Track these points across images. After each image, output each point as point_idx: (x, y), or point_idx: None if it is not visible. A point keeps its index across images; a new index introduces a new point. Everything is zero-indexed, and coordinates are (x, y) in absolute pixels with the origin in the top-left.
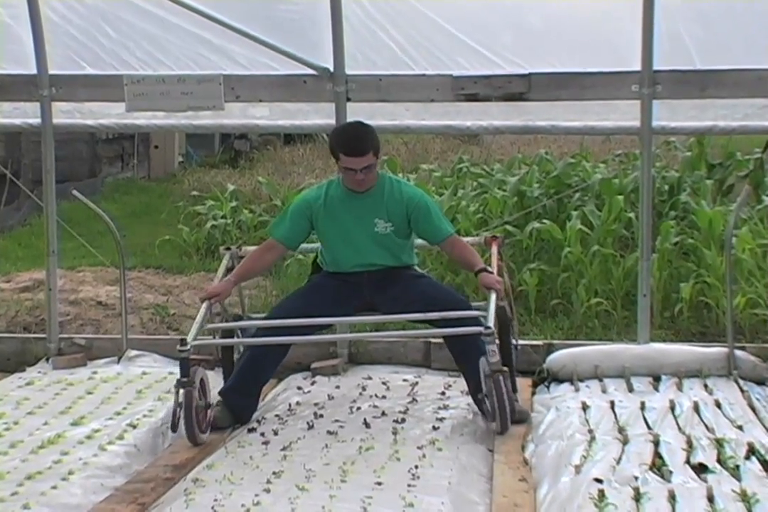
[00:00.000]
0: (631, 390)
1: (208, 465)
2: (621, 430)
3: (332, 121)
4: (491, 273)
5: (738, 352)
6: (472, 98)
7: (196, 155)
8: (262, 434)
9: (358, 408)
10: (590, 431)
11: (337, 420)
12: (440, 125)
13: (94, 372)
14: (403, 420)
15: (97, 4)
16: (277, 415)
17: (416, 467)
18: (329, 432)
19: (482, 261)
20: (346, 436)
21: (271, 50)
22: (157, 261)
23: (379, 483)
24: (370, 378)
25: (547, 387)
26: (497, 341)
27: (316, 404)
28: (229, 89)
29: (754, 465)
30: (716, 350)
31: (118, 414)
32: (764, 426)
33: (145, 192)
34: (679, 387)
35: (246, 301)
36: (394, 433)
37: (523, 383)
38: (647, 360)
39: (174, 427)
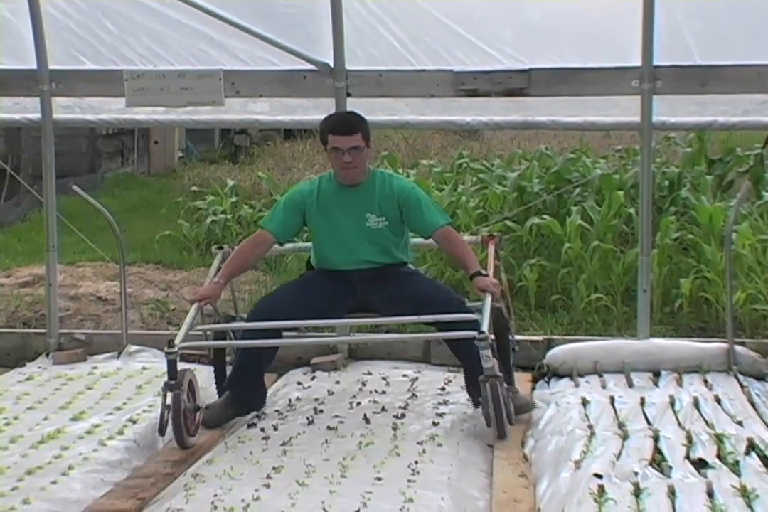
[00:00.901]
0: (630, 385)
1: (208, 461)
2: (621, 426)
3: None
4: (486, 275)
5: (738, 348)
6: (472, 93)
7: (196, 150)
8: (262, 429)
9: (358, 404)
10: (590, 426)
11: (336, 416)
12: (440, 120)
13: (94, 368)
14: (403, 415)
15: None
16: (276, 410)
17: (416, 462)
18: (329, 428)
19: (477, 263)
20: (346, 432)
21: (271, 45)
22: (157, 256)
23: (379, 479)
24: (370, 373)
25: (547, 382)
26: (494, 343)
27: (315, 399)
28: (229, 84)
29: (754, 460)
30: (716, 346)
31: (118, 409)
32: (764, 421)
33: (145, 187)
34: (679, 383)
35: (238, 301)
36: (394, 429)
37: (523, 378)
38: (647, 356)
39: (162, 430)
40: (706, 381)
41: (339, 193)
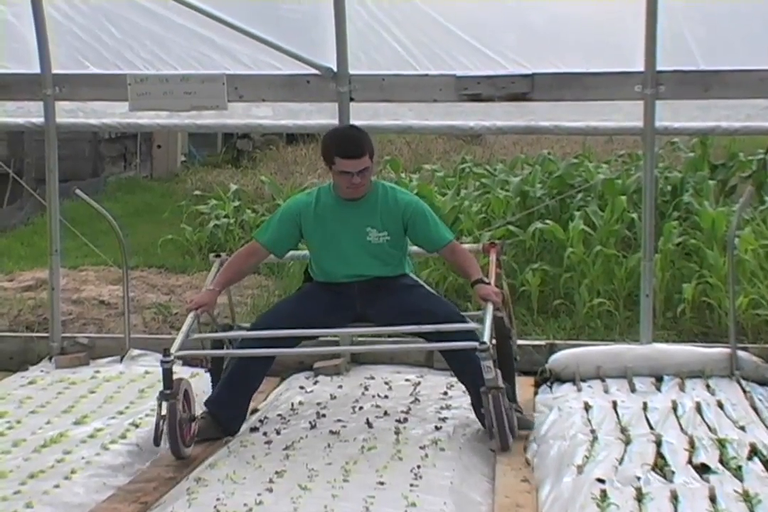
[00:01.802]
0: (633, 390)
1: (211, 465)
2: (623, 430)
3: (335, 121)
4: (488, 283)
5: (740, 353)
6: (475, 98)
7: (199, 155)
8: (265, 433)
9: (361, 408)
10: (592, 431)
11: (339, 420)
12: (443, 125)
13: (97, 372)
14: (406, 419)
15: (100, 3)
16: (279, 415)
17: (418, 467)
18: (332, 432)
19: (480, 271)
20: (349, 436)
21: (275, 50)
22: (160, 260)
23: (382, 483)
24: (372, 377)
25: (550, 387)
26: (496, 353)
27: (318, 403)
28: (232, 89)
29: (757, 465)
30: (718, 351)
31: (121, 413)
32: (767, 426)
33: (148, 191)
34: (682, 388)
35: (240, 305)
36: (397, 433)
37: (525, 383)
38: (649, 361)
39: (157, 441)
40: (708, 386)
41: (338, 207)
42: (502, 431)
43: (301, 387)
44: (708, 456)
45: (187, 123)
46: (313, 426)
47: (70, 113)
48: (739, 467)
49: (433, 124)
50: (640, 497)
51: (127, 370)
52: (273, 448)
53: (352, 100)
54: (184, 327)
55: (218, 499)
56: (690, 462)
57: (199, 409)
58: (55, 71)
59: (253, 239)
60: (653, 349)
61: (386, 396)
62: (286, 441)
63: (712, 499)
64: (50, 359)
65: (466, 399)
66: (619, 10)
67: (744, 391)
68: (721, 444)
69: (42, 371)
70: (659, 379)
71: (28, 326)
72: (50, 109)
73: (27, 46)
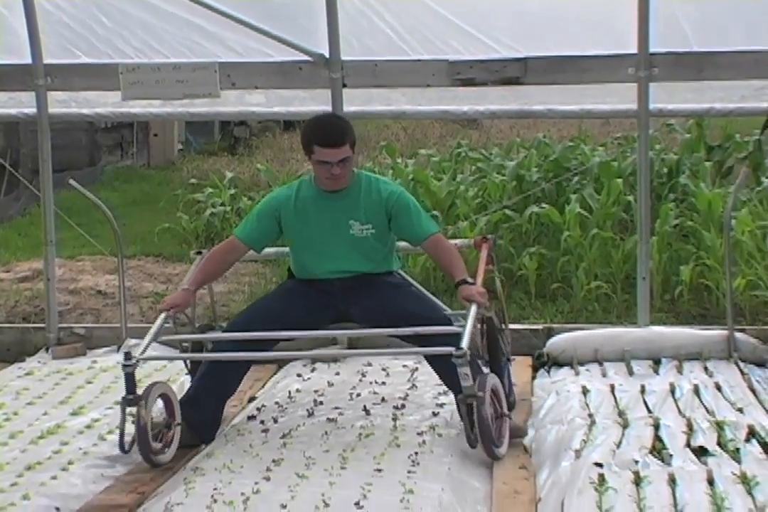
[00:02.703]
0: (631, 373)
1: (208, 454)
2: (621, 414)
3: (328, 108)
4: (473, 284)
5: (738, 335)
6: (469, 83)
7: (196, 142)
8: (262, 422)
9: (358, 395)
10: (590, 415)
11: (337, 407)
12: (437, 110)
13: (94, 362)
14: (403, 406)
15: None
16: (276, 403)
17: (416, 453)
18: (329, 420)
19: (464, 271)
20: (346, 423)
21: (267, 37)
22: (157, 249)
23: (379, 470)
24: (370, 364)
25: (548, 371)
26: (487, 354)
27: (316, 391)
28: (224, 76)
29: (755, 447)
30: (716, 332)
31: (118, 403)
32: (764, 408)
33: (145, 180)
34: (679, 370)
35: (238, 293)
36: (394, 419)
37: (523, 363)
38: (647, 344)
39: (122, 447)
40: (706, 369)
41: (319, 199)
42: (487, 440)
43: (299, 375)
44: (706, 438)
45: (180, 111)
46: (310, 414)
47: (63, 103)
48: (737, 449)
49: (427, 109)
50: (638, 481)
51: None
52: (270, 437)
53: (344, 86)
54: (153, 329)
55: (215, 488)
56: (688, 445)
57: None
58: (46, 61)
59: (233, 234)
60: (651, 332)
61: (383, 383)
62: (284, 429)
63: (710, 482)
64: (47, 350)
65: None
66: None
67: (742, 373)
68: (719, 426)
69: (39, 362)
70: (657, 362)
71: (25, 317)
72: (42, 99)
73: (18, 36)
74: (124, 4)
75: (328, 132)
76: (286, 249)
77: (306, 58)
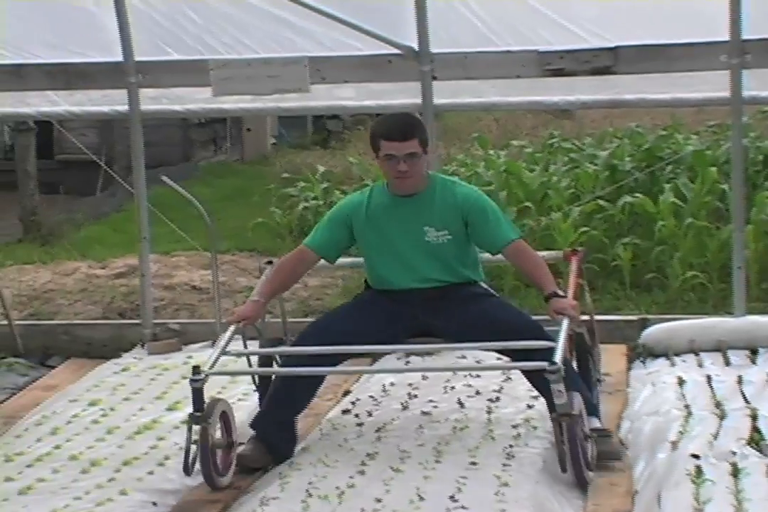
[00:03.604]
0: (727, 363)
1: (303, 448)
2: (718, 405)
3: (418, 101)
4: (564, 296)
5: None
6: (559, 73)
7: (289, 136)
8: (357, 415)
9: (452, 388)
10: (687, 406)
11: (431, 400)
12: (527, 101)
13: (189, 357)
14: (498, 399)
15: None
16: (371, 396)
17: (510, 446)
18: (423, 413)
19: (553, 282)
20: (441, 416)
21: (356, 31)
22: (251, 244)
23: (474, 463)
24: (464, 357)
25: (643, 362)
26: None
27: (410, 384)
28: (314, 71)
29: None
30: None
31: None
32: None
33: (239, 175)
34: None
35: (330, 287)
36: (489, 412)
37: (617, 351)
38: (744, 333)
39: (186, 469)
40: None
41: (392, 205)
42: (577, 464)
43: (397, 354)
44: None
45: (271, 106)
46: (404, 407)
47: (154, 100)
48: None
49: (517, 100)
50: (735, 472)
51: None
52: (365, 430)
53: (434, 78)
54: (221, 342)
55: (310, 483)
56: None
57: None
58: (137, 58)
59: (303, 243)
60: (747, 321)
61: (478, 376)
62: (378, 423)
63: None
64: (143, 346)
65: None
66: None
67: None
68: None
69: (135, 358)
70: (754, 352)
71: (121, 313)
72: (134, 96)
73: (108, 34)
74: (213, 0)
75: (394, 124)
76: (361, 259)
77: (395, 51)
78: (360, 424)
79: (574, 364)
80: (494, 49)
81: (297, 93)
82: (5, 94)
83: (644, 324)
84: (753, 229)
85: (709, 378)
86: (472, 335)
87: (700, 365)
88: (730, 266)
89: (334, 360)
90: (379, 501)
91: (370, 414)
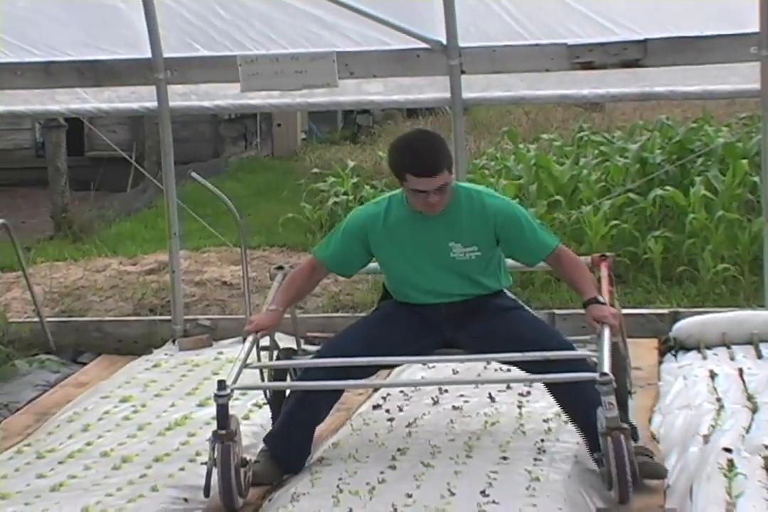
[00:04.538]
0: (760, 356)
1: (334, 444)
2: (750, 398)
3: (447, 95)
4: (604, 303)
5: None
6: (588, 66)
7: (319, 131)
8: (387, 410)
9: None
10: (718, 399)
11: (462, 395)
12: (556, 95)
13: (220, 353)
14: (528, 393)
15: None
16: (401, 391)
17: (542, 441)
18: (454, 407)
19: (594, 288)
20: (471, 411)
21: (383, 25)
22: (281, 239)
23: (505, 458)
24: (488, 364)
25: (674, 355)
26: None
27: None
28: (342, 66)
29: None
30: None
31: (243, 394)
32: None
33: (269, 170)
34: None
35: (356, 286)
36: (519, 407)
37: (648, 345)
38: None
39: (207, 491)
40: None
41: (413, 219)
42: (623, 480)
43: (423, 363)
44: None
45: (299, 102)
46: (435, 402)
47: (183, 96)
48: None
49: (546, 94)
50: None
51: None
52: (395, 425)
53: (463, 72)
54: (242, 355)
55: (341, 478)
56: None
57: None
58: (166, 55)
59: (312, 255)
60: None
61: (509, 370)
62: (409, 418)
63: None
64: (173, 342)
65: None
66: None
67: None
68: None
69: (166, 354)
70: None
71: (152, 309)
72: (163, 93)
73: (136, 31)
74: None
75: (421, 159)
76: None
77: (423, 45)
78: (391, 419)
79: None
80: (523, 43)
81: (325, 88)
82: (35, 91)
83: (675, 317)
84: None
85: (741, 371)
86: (498, 349)
87: (732, 358)
88: (761, 258)
89: (357, 374)
90: (409, 496)
91: (400, 409)
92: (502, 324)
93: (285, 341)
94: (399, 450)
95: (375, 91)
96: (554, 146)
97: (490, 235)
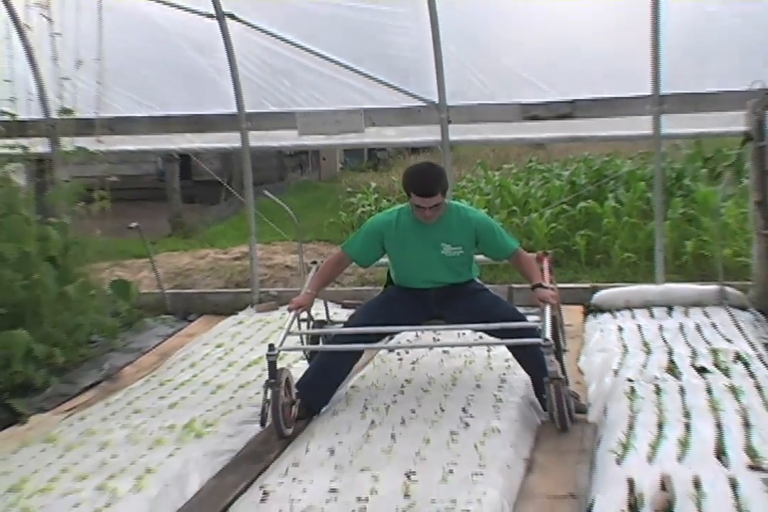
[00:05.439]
0: (652, 316)
1: (362, 376)
2: (645, 344)
3: (438, 138)
4: (547, 288)
5: (727, 288)
6: (535, 118)
7: (351, 162)
8: (398, 354)
9: (464, 333)
10: (624, 346)
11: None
12: (514, 138)
13: (284, 314)
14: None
15: (274, 62)
16: (408, 340)
17: (504, 374)
18: (444, 352)
19: (540, 276)
20: (455, 354)
21: (395, 90)
22: (326, 236)
23: (478, 386)
24: (464, 333)
25: (594, 316)
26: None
27: (434, 331)
28: (367, 118)
29: (740, 367)
30: (712, 287)
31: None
32: (747, 339)
33: (317, 189)
34: (686, 314)
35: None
36: (488, 351)
37: (577, 310)
38: (663, 296)
39: (263, 422)
40: (705, 313)
41: (416, 226)
42: (562, 416)
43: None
44: (706, 361)
45: (338, 142)
46: (430, 349)
47: (258, 138)
48: (727, 368)
49: (507, 137)
50: (658, 391)
51: (303, 313)
52: (403, 364)
53: (450, 122)
54: (286, 325)
55: (366, 400)
56: (693, 365)
57: None
58: (246, 111)
59: (341, 249)
60: (666, 288)
61: (480, 337)
62: (412, 359)
63: (709, 391)
64: (252, 306)
65: None
66: (632, 49)
67: (730, 315)
68: (715, 352)
69: (246, 315)
70: (670, 309)
71: (237, 284)
72: (245, 137)
73: (227, 94)
74: (298, 70)
75: (423, 183)
76: (385, 259)
77: (422, 103)
78: (400, 359)
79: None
80: (491, 102)
81: (355, 133)
82: (158, 136)
83: (594, 290)
84: (669, 223)
85: (639, 326)
86: (472, 321)
87: (633, 317)
88: (653, 249)
89: (372, 339)
90: (413, 411)
91: (407, 353)
92: (474, 302)
93: (321, 314)
94: (406, 380)
95: (389, 135)
96: (512, 173)
97: (471, 238)
